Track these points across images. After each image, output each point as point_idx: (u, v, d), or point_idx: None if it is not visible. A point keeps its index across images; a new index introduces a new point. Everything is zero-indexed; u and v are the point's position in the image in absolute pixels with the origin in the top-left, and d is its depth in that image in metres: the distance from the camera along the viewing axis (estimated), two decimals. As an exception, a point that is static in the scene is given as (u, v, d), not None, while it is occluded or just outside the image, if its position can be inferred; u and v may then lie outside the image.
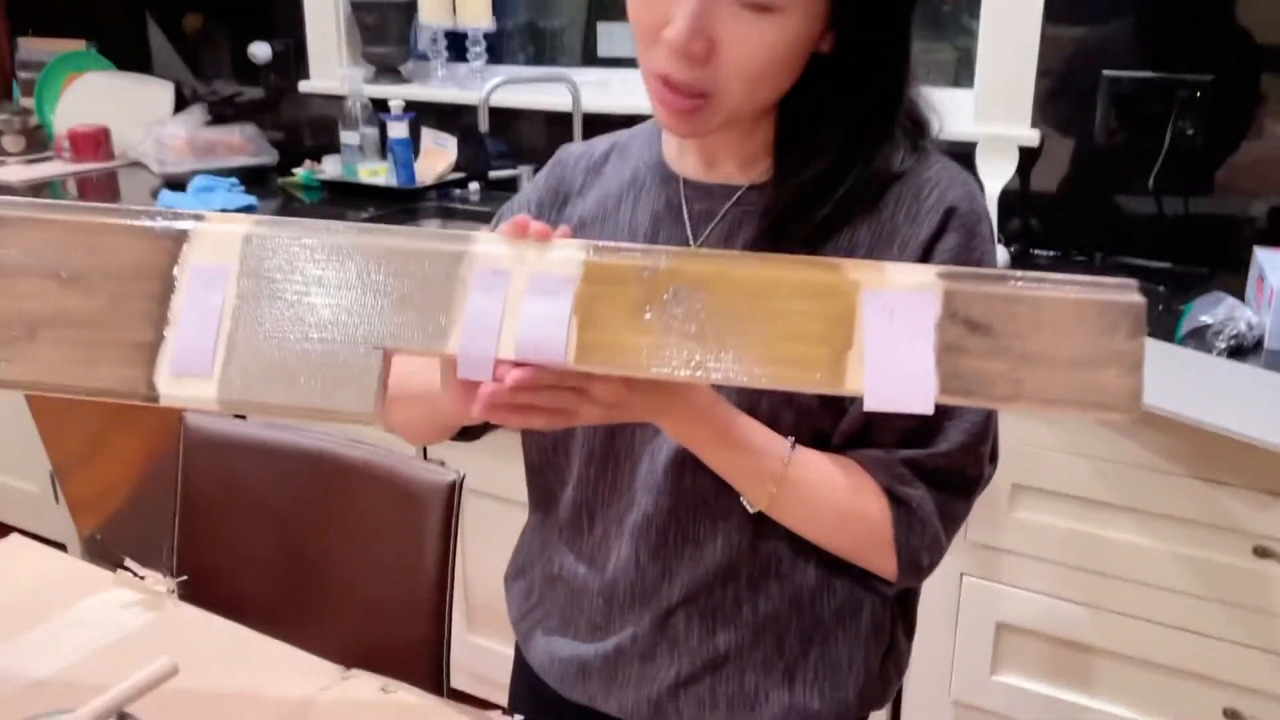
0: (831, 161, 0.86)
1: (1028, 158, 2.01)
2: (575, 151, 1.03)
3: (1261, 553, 1.45)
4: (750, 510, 0.89)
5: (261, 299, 0.73)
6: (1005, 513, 1.60)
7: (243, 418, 1.54)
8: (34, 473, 2.68)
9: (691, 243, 0.91)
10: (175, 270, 0.74)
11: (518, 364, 0.70)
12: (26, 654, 0.94)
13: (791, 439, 0.87)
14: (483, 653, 2.09)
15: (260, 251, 0.74)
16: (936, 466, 0.87)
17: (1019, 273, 0.67)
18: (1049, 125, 2.00)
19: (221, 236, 0.74)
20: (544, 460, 1.02)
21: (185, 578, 1.02)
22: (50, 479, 2.65)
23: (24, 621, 0.99)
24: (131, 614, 1.00)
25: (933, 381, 0.65)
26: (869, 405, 0.66)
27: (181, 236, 0.74)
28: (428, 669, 1.36)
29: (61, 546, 2.72)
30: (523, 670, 1.09)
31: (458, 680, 1.37)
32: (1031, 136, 1.99)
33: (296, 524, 1.41)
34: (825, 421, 0.88)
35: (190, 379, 0.72)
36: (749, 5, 0.77)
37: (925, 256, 0.85)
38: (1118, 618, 1.58)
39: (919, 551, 0.88)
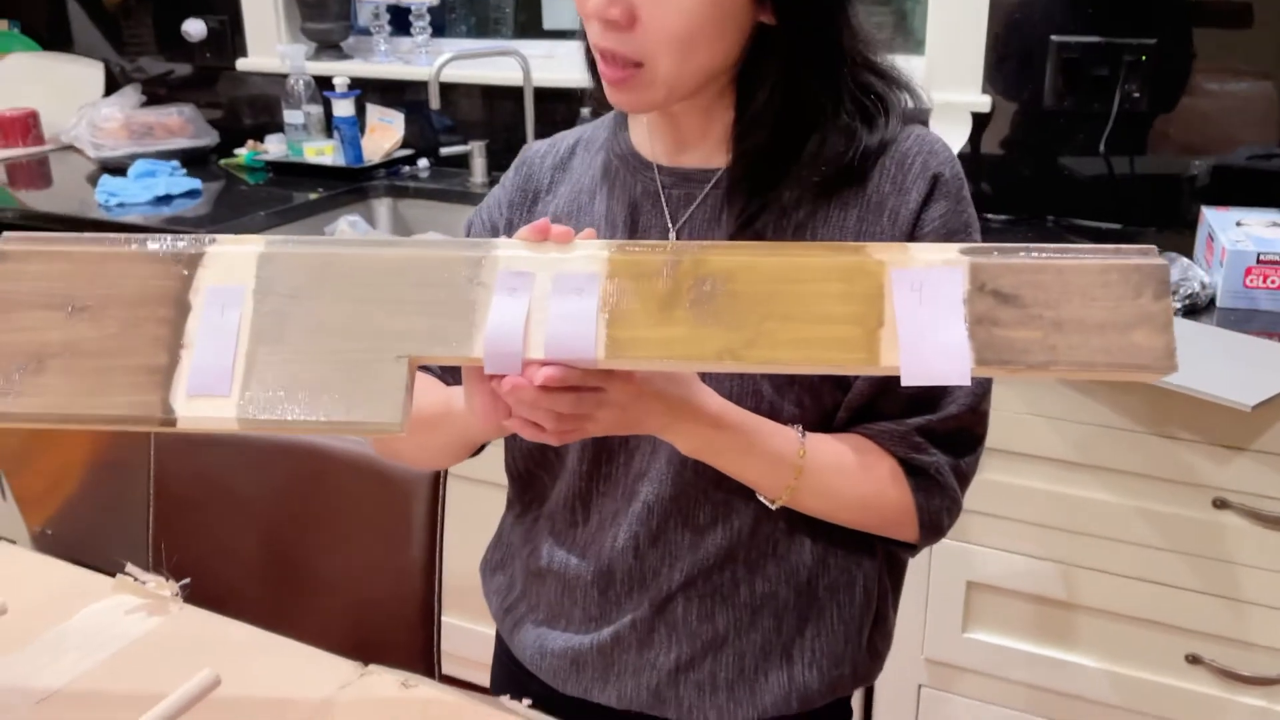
0: (775, 137, 0.86)
1: (979, 123, 2.05)
2: (540, 149, 1.03)
3: (1220, 504, 1.51)
4: (771, 507, 0.89)
5: (279, 316, 0.72)
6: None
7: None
8: (-21, 469, 2.61)
9: (671, 227, 0.91)
10: (190, 294, 0.73)
11: (545, 364, 0.69)
12: (32, 665, 0.93)
13: (799, 427, 0.87)
14: (466, 635, 2.08)
15: (276, 269, 0.73)
16: (948, 430, 0.89)
17: (1039, 245, 0.69)
18: (999, 91, 2.03)
19: (236, 256, 0.74)
20: (532, 465, 1.01)
21: (189, 581, 1.00)
22: (-4, 474, 2.58)
23: (25, 631, 0.97)
24: (136, 619, 0.99)
25: (967, 353, 0.66)
26: (906, 381, 0.66)
27: (195, 260, 0.73)
28: (418, 658, 1.36)
29: (10, 544, 2.66)
30: (505, 662, 1.08)
31: (445, 665, 1.37)
32: (983, 102, 2.02)
33: (278, 519, 1.40)
34: (829, 400, 0.90)
35: (208, 399, 0.70)
36: None
37: (915, 224, 0.86)
38: (1083, 572, 1.63)
39: (940, 514, 0.92)
